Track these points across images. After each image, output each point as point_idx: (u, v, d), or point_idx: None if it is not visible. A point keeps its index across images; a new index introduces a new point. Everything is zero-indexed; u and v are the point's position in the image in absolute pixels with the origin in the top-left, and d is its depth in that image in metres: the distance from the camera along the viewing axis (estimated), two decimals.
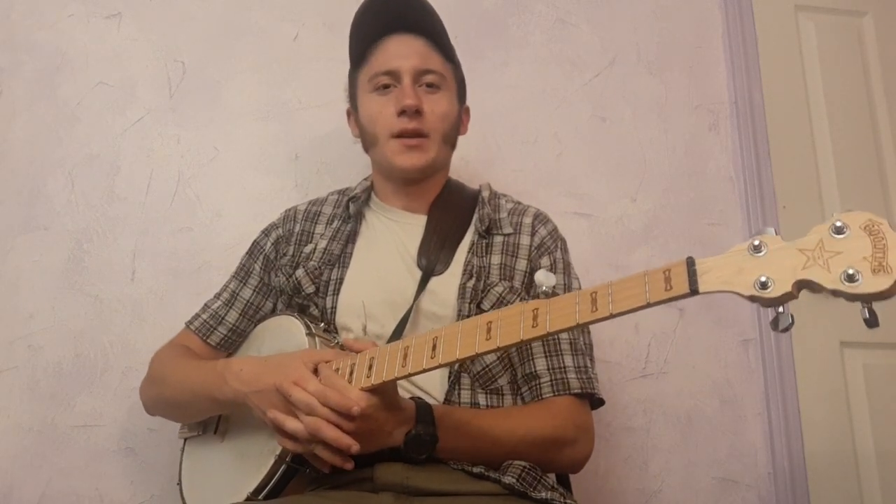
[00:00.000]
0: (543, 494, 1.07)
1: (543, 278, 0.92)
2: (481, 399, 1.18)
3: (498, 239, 1.29)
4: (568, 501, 1.09)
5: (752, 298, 0.77)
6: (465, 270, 1.24)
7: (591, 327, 1.69)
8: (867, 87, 2.04)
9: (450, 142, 1.34)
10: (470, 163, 1.78)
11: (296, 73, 1.79)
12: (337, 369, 1.03)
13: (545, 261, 1.27)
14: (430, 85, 1.30)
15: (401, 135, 1.27)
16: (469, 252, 1.27)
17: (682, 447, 1.72)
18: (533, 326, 0.88)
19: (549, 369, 1.18)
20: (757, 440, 1.76)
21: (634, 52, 1.97)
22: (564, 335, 1.20)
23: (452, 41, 1.37)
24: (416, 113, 1.26)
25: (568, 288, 1.27)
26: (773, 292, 0.75)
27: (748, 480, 1.73)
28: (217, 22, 1.80)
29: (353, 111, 1.39)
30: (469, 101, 1.44)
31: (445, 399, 1.16)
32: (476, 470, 1.07)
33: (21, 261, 1.60)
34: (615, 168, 1.88)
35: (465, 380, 1.18)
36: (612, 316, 0.83)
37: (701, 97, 1.98)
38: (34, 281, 1.59)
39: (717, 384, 1.77)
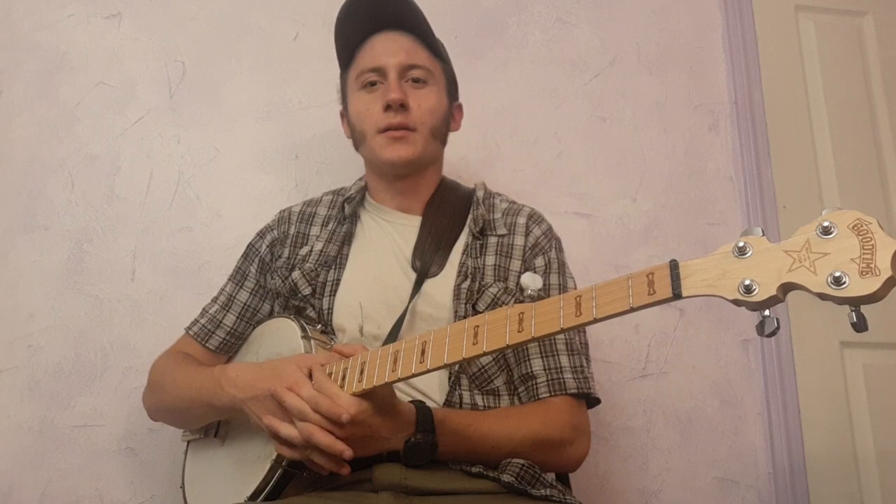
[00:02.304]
0: (543, 491, 1.07)
1: (529, 281, 0.92)
2: (479, 400, 1.18)
3: (492, 240, 1.29)
4: (567, 498, 1.09)
5: (736, 302, 0.75)
6: (459, 272, 1.24)
7: (591, 326, 1.70)
8: (867, 87, 2.04)
9: (439, 137, 1.34)
10: (470, 163, 1.78)
11: (296, 73, 1.79)
12: (330, 373, 1.03)
13: (539, 261, 1.28)
14: (416, 80, 1.30)
15: (387, 129, 1.27)
16: (463, 253, 1.27)
17: (682, 447, 1.72)
18: (518, 331, 0.88)
19: (545, 369, 1.18)
20: (757, 440, 1.76)
21: (634, 52, 1.97)
22: (560, 335, 1.20)
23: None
24: (402, 107, 1.26)
25: (563, 288, 1.27)
26: (757, 296, 0.73)
27: (748, 480, 1.73)
28: (217, 22, 1.80)
29: (344, 112, 1.40)
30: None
31: (446, 400, 1.16)
32: (475, 469, 1.07)
33: (21, 261, 1.60)
34: (615, 168, 1.88)
35: (464, 381, 1.18)
36: (595, 321, 0.82)
37: (701, 97, 1.98)
38: (34, 281, 1.59)
39: (717, 384, 1.77)
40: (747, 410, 1.77)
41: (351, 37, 1.35)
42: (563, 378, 1.18)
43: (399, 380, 0.97)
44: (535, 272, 1.25)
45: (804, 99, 2.00)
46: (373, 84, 1.30)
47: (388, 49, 1.30)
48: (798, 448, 1.73)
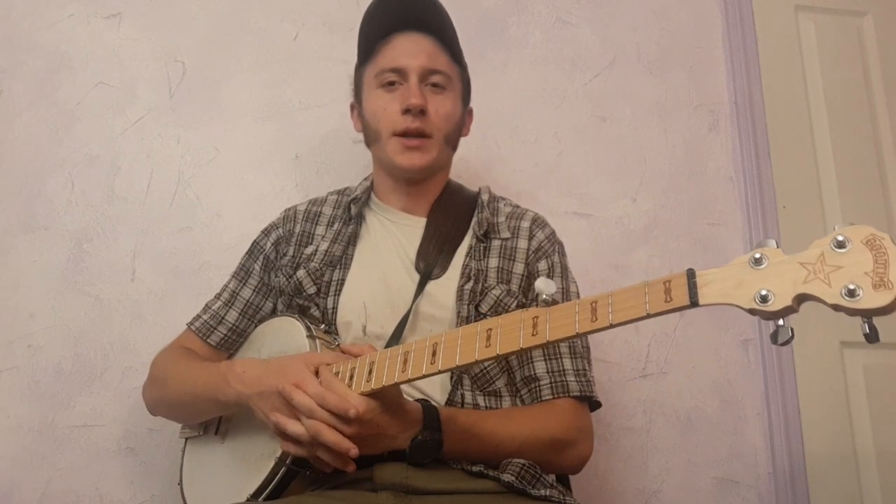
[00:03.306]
0: (543, 492, 1.07)
1: (544, 286, 0.93)
2: (480, 400, 1.18)
3: (496, 243, 1.29)
4: (567, 499, 1.09)
5: (752, 311, 0.77)
6: (462, 273, 1.25)
7: None
8: (867, 87, 2.04)
9: (452, 143, 1.35)
10: (470, 163, 1.78)
11: (296, 73, 1.79)
12: (337, 373, 1.03)
13: (542, 265, 1.28)
14: (435, 85, 1.30)
15: (404, 133, 1.27)
16: (467, 256, 1.27)
17: (682, 447, 1.72)
18: (533, 335, 0.89)
19: (548, 372, 1.19)
20: (757, 440, 1.76)
21: (634, 52, 1.97)
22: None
23: None
24: (421, 113, 1.26)
25: (566, 292, 1.28)
26: (773, 306, 0.75)
27: (748, 480, 1.73)
28: (217, 22, 1.80)
29: (356, 105, 1.39)
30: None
31: (448, 400, 1.16)
32: (475, 469, 1.08)
33: (21, 261, 1.60)
34: (615, 168, 1.88)
35: (466, 381, 1.18)
36: (611, 326, 0.83)
37: (701, 97, 1.98)
38: (34, 281, 1.59)
39: (717, 384, 1.77)
40: (747, 410, 1.77)
41: (374, 31, 1.34)
42: (567, 381, 1.18)
43: (409, 380, 0.97)
44: (538, 276, 1.25)
45: (804, 99, 2.00)
46: (392, 84, 1.30)
47: (410, 51, 1.30)
48: (798, 448, 1.73)
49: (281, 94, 1.78)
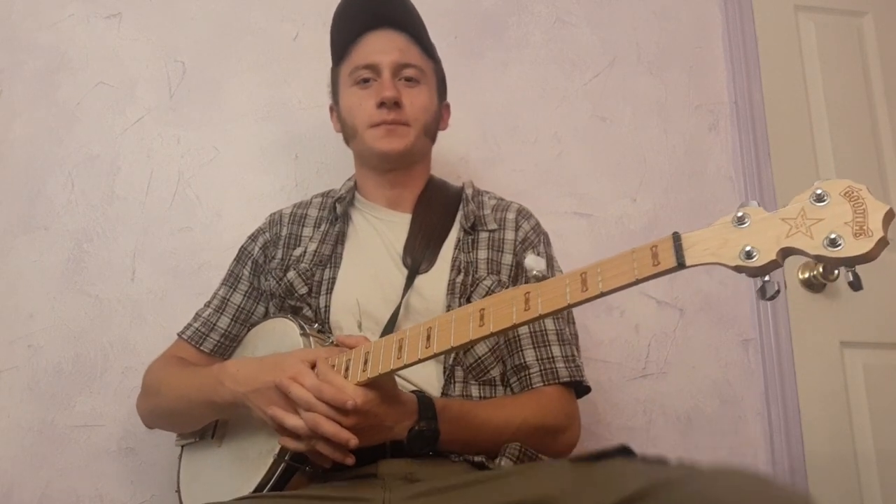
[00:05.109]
0: None
1: (533, 262, 0.94)
2: (474, 391, 1.20)
3: (483, 235, 1.31)
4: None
5: (737, 269, 0.78)
6: (452, 266, 1.26)
7: (592, 326, 1.70)
8: (867, 87, 2.04)
9: (429, 134, 1.37)
10: (470, 163, 1.78)
11: (296, 73, 1.79)
12: (333, 365, 1.04)
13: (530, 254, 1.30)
14: (409, 79, 1.33)
15: (380, 125, 1.29)
16: (456, 249, 1.29)
17: (682, 447, 1.71)
18: (525, 310, 0.89)
19: (537, 360, 1.21)
20: (757, 440, 1.76)
21: (634, 52, 1.97)
22: (551, 326, 1.24)
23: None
24: (396, 105, 1.28)
25: None
26: (757, 261, 0.77)
27: None
28: (217, 22, 1.80)
29: (335, 106, 1.41)
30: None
31: (442, 393, 1.17)
32: (477, 459, 1.09)
33: (21, 261, 1.60)
34: (615, 168, 1.88)
35: (459, 373, 1.19)
36: (602, 294, 0.84)
37: (701, 97, 1.98)
38: (34, 281, 1.59)
39: (717, 384, 1.77)
40: (747, 410, 1.77)
41: (346, 32, 1.37)
42: (556, 367, 1.20)
43: (405, 366, 0.97)
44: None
45: (804, 99, 2.00)
46: (366, 81, 1.32)
47: (382, 47, 1.32)
48: (798, 448, 1.72)
49: (281, 94, 1.78)
